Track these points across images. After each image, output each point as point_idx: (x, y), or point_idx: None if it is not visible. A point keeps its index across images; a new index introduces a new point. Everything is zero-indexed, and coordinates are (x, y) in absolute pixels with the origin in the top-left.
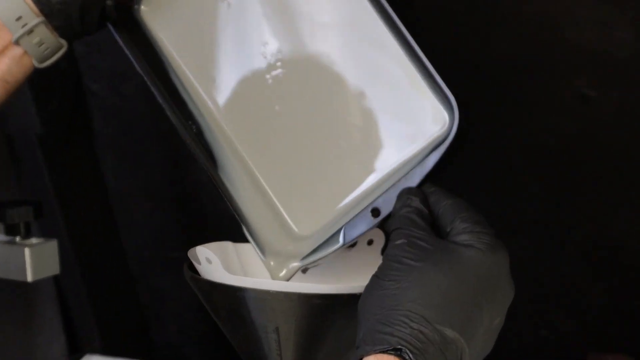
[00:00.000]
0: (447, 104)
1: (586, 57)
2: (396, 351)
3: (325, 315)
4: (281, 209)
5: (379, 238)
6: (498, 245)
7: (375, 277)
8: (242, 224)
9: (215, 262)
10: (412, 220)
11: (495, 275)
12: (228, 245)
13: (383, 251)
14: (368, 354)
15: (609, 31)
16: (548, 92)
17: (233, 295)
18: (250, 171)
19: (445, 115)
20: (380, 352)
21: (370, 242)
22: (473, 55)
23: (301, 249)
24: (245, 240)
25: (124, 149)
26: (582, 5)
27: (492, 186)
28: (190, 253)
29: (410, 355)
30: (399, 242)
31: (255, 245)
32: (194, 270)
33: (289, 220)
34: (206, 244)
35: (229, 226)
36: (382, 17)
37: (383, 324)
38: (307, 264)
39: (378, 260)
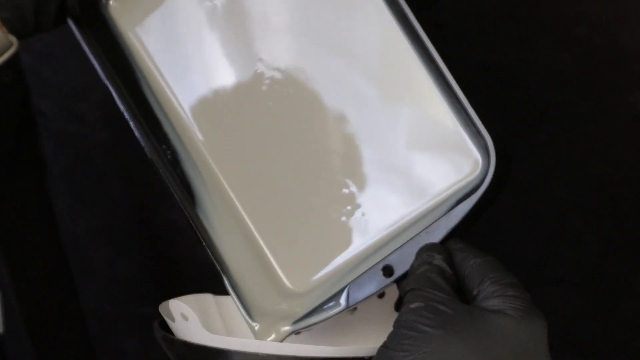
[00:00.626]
0: (482, 143)
1: None
2: None
3: None
4: (272, 259)
5: (392, 290)
6: (534, 313)
7: (383, 348)
8: (223, 275)
9: (192, 318)
10: (431, 280)
11: (532, 350)
12: (208, 298)
13: (397, 306)
14: None
15: None
16: (598, 112)
17: (214, 359)
18: (235, 211)
19: (478, 158)
20: None
21: (381, 295)
22: (506, 67)
23: (294, 310)
24: (229, 293)
25: (81, 182)
26: (638, 7)
27: (532, 228)
28: (162, 308)
29: None
30: (414, 305)
31: (238, 303)
32: (167, 329)
33: (281, 274)
34: (181, 297)
35: (209, 275)
36: (411, 41)
37: None
38: (301, 328)
39: (391, 317)
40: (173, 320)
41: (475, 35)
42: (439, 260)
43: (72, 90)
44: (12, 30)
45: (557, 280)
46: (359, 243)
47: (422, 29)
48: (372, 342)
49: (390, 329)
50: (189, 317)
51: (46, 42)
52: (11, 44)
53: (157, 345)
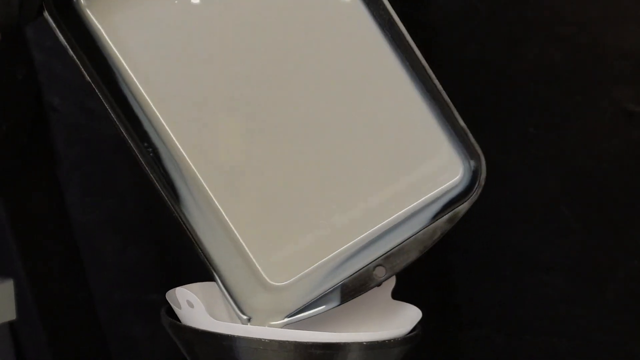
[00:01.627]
0: (468, 151)
1: (630, 66)
2: None
3: None
4: (252, 257)
5: (390, 279)
6: None
7: None
8: (212, 271)
9: (198, 305)
10: None
11: None
12: (213, 286)
13: (394, 294)
14: None
15: None
16: (585, 107)
17: (219, 345)
18: (215, 209)
19: (460, 165)
20: None
21: (379, 284)
22: (500, 65)
23: (282, 305)
24: (210, 275)
25: (91, 174)
26: (625, 6)
27: (522, 218)
28: (168, 295)
29: None
30: None
31: (229, 297)
32: (173, 316)
33: (262, 271)
34: (188, 285)
35: None
36: (395, 48)
37: None
38: (294, 321)
39: (388, 304)
40: (179, 307)
41: (467, 34)
42: None
43: (83, 86)
44: None
45: (545, 267)
46: (345, 242)
47: (410, 31)
48: (370, 328)
49: (387, 315)
50: (194, 304)
51: (58, 40)
52: None
53: (164, 331)
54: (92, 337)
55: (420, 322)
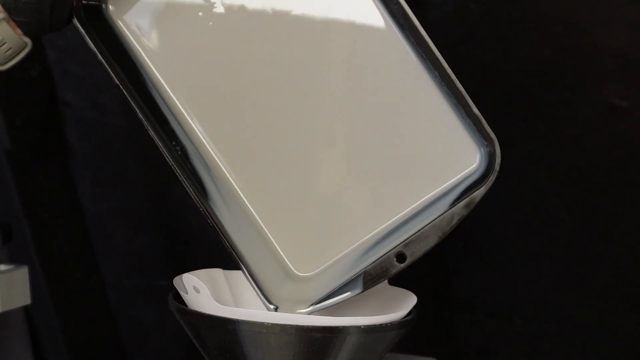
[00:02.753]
0: (484, 141)
1: (616, 64)
2: None
3: (326, 350)
4: (279, 250)
5: None
6: None
7: None
8: (240, 264)
9: (204, 291)
10: None
11: None
12: (218, 272)
13: (390, 280)
14: None
15: None
16: (573, 102)
17: (224, 329)
18: (242, 203)
19: (477, 152)
20: None
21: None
22: (493, 62)
23: (308, 294)
24: (237, 267)
25: (102, 166)
26: (612, 5)
27: (514, 208)
28: (175, 281)
29: None
30: None
31: (256, 289)
32: (180, 301)
33: (289, 263)
34: (194, 272)
35: (219, 251)
36: (413, 46)
37: None
38: (319, 309)
39: (386, 290)
40: (186, 292)
41: (461, 33)
42: None
43: (94, 82)
44: (27, 32)
45: (535, 255)
46: (367, 231)
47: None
48: (368, 312)
49: (384, 300)
50: (200, 289)
51: (70, 39)
52: (25, 45)
53: (172, 315)
54: (102, 320)
55: (415, 307)
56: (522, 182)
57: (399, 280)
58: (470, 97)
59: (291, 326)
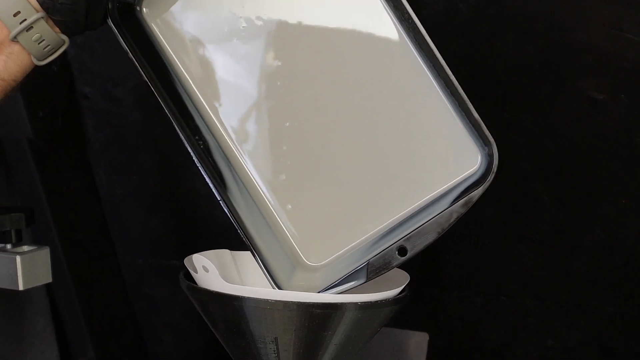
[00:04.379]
0: (483, 143)
1: (594, 59)
2: None
3: (325, 325)
4: (292, 241)
5: None
6: None
7: None
8: (254, 252)
9: (212, 270)
10: None
11: None
12: (226, 253)
13: None
14: None
15: (619, 32)
16: (554, 95)
17: (231, 305)
18: (259, 197)
19: (478, 154)
20: None
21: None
22: (480, 58)
23: (315, 282)
24: (243, 248)
25: (117, 155)
26: (591, 6)
27: (500, 193)
28: (186, 261)
29: None
30: None
31: (268, 276)
32: (190, 279)
33: (301, 254)
34: (203, 252)
35: (226, 234)
36: (422, 55)
37: None
38: None
39: None
40: (196, 271)
41: (451, 31)
42: None
43: (110, 77)
44: (64, 30)
45: (519, 237)
46: (374, 226)
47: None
48: (364, 289)
49: (379, 278)
50: (209, 269)
51: (88, 37)
52: (63, 42)
53: (182, 292)
54: (118, 297)
55: (408, 285)
56: (507, 170)
57: None
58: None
59: (293, 302)
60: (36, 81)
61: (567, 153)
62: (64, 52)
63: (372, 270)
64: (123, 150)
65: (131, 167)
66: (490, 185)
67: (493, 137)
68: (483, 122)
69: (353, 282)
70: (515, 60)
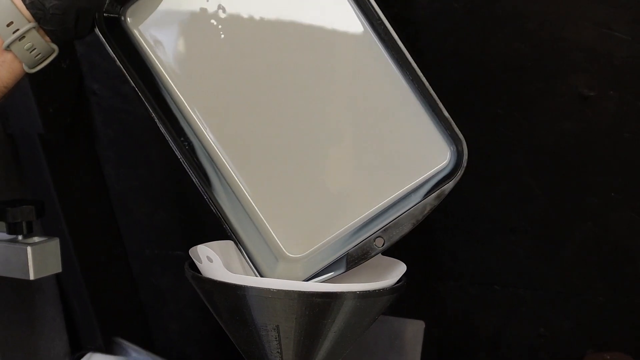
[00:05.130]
0: (452, 138)
1: (584, 57)
2: None
3: (326, 313)
4: (274, 234)
5: None
6: None
7: None
8: (238, 244)
9: (216, 260)
10: None
11: None
12: (229, 244)
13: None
14: None
15: (608, 31)
16: (546, 91)
17: (234, 294)
18: (240, 192)
19: (447, 151)
20: None
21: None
22: (472, 55)
23: (297, 273)
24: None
25: (125, 149)
26: (580, 5)
27: (493, 186)
28: (191, 252)
29: None
30: None
31: (252, 266)
32: (195, 269)
33: (282, 246)
34: (207, 243)
35: None
36: (390, 53)
37: None
38: None
39: (378, 259)
40: (200, 262)
41: (445, 30)
42: None
43: (118, 74)
44: (55, 40)
45: (512, 229)
46: (352, 218)
47: (396, 27)
48: (363, 280)
49: (377, 268)
50: (213, 259)
51: (96, 36)
52: (53, 51)
53: (187, 282)
54: (125, 286)
55: (405, 275)
56: (500, 163)
57: (390, 251)
58: (452, 87)
59: (294, 292)
60: (47, 78)
61: (558, 148)
62: (74, 50)
63: (351, 261)
64: (130, 144)
65: (138, 161)
66: (461, 179)
67: (485, 133)
68: (474, 111)
69: (333, 272)
70: (507, 58)
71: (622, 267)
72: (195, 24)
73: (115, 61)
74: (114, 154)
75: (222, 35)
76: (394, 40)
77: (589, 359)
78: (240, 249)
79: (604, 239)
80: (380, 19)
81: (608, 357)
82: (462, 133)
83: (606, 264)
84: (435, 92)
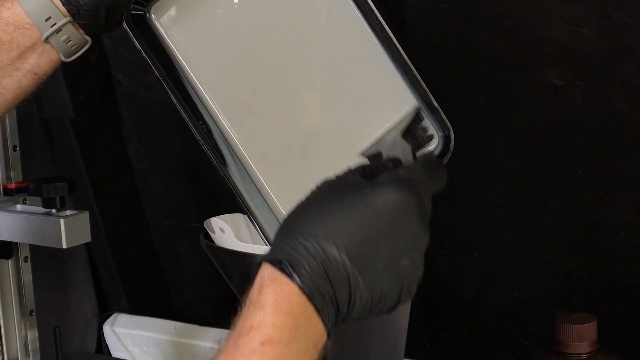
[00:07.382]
0: (439, 125)
1: (555, 51)
2: (276, 262)
3: None
4: (278, 205)
5: None
6: (405, 187)
7: (300, 200)
8: (250, 218)
9: (228, 231)
10: (362, 167)
11: (398, 215)
12: (240, 217)
13: None
14: (260, 261)
15: (576, 28)
16: (522, 82)
17: (244, 261)
18: (251, 170)
19: (436, 136)
20: (265, 261)
21: None
22: (458, 50)
23: None
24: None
25: (147, 132)
26: (552, 5)
27: (475, 166)
28: (205, 223)
29: (288, 266)
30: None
31: (262, 236)
32: (209, 239)
33: (285, 214)
34: (220, 216)
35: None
36: (395, 61)
37: (283, 237)
38: None
39: None
40: (214, 232)
41: (432, 27)
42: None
43: (141, 65)
44: (88, 32)
45: (492, 204)
46: None
47: (388, 24)
48: None
49: None
50: (225, 230)
51: (122, 32)
52: (87, 42)
53: (202, 250)
54: (147, 255)
55: None
56: (481, 146)
57: None
58: (439, 79)
59: None
60: (78, 70)
61: (532, 132)
62: (102, 45)
63: None
64: (151, 127)
65: (158, 142)
66: (449, 161)
67: (468, 119)
68: (457, 99)
69: None
70: (488, 52)
71: (588, 238)
72: (213, 20)
73: (141, 53)
74: (137, 136)
75: (237, 30)
76: (395, 45)
77: (560, 318)
78: (251, 221)
79: (572, 213)
80: (378, 19)
81: (575, 317)
82: (448, 120)
83: (574, 235)
84: (425, 84)
